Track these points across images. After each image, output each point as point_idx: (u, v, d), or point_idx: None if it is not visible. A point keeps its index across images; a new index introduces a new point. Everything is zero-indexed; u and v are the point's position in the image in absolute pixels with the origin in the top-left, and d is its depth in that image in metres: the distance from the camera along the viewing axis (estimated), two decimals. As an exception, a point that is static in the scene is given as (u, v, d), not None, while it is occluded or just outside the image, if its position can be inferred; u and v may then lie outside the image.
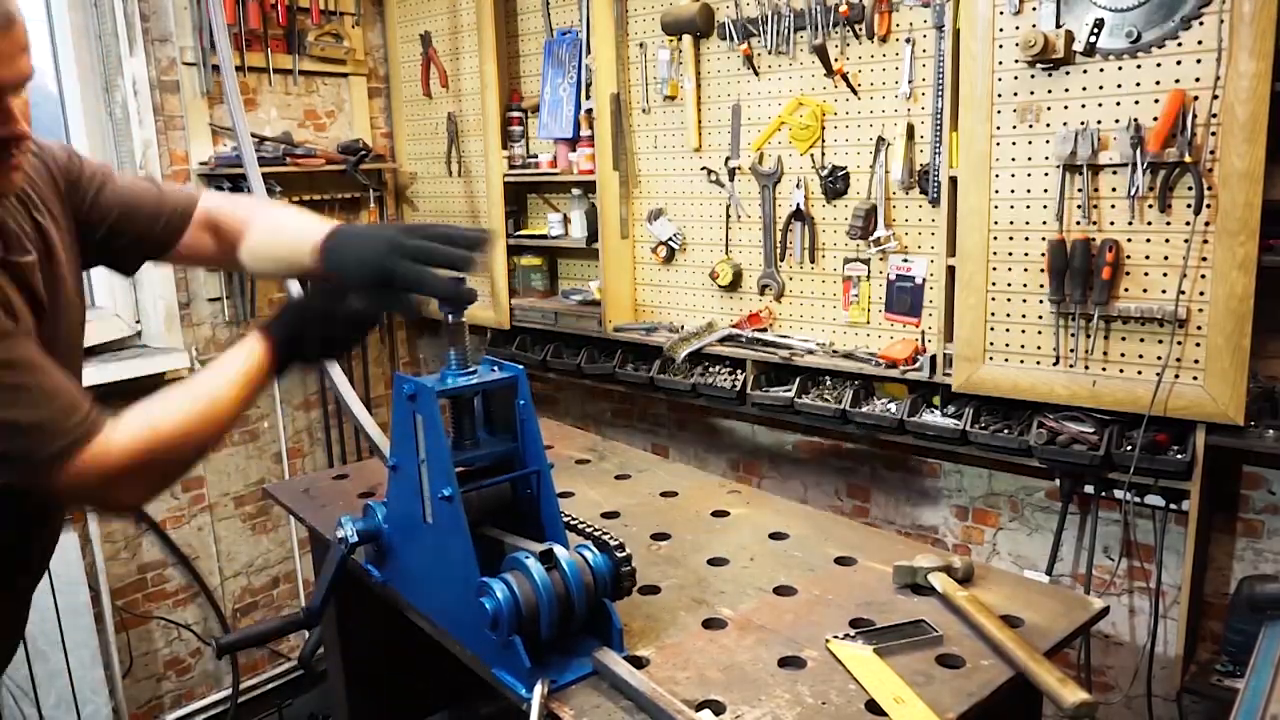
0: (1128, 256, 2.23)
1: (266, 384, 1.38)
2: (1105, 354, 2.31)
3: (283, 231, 1.56)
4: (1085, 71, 2.23)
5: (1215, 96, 2.04)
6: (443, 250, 1.36)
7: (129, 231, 1.52)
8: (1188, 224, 2.13)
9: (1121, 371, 2.29)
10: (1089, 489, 2.55)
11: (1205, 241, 2.12)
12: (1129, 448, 2.26)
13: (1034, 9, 2.26)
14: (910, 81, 2.58)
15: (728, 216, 3.08)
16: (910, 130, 2.61)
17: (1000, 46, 2.32)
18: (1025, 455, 2.46)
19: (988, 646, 1.39)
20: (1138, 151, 2.15)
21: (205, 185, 3.47)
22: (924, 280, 2.66)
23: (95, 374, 3.03)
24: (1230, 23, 1.98)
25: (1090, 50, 2.20)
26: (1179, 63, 2.09)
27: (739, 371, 3.04)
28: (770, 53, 2.85)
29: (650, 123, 3.24)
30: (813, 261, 2.90)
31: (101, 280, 3.43)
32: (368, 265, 1.35)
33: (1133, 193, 2.18)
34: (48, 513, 1.55)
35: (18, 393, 1.14)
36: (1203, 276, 2.13)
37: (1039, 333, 2.39)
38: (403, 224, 1.51)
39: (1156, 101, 2.13)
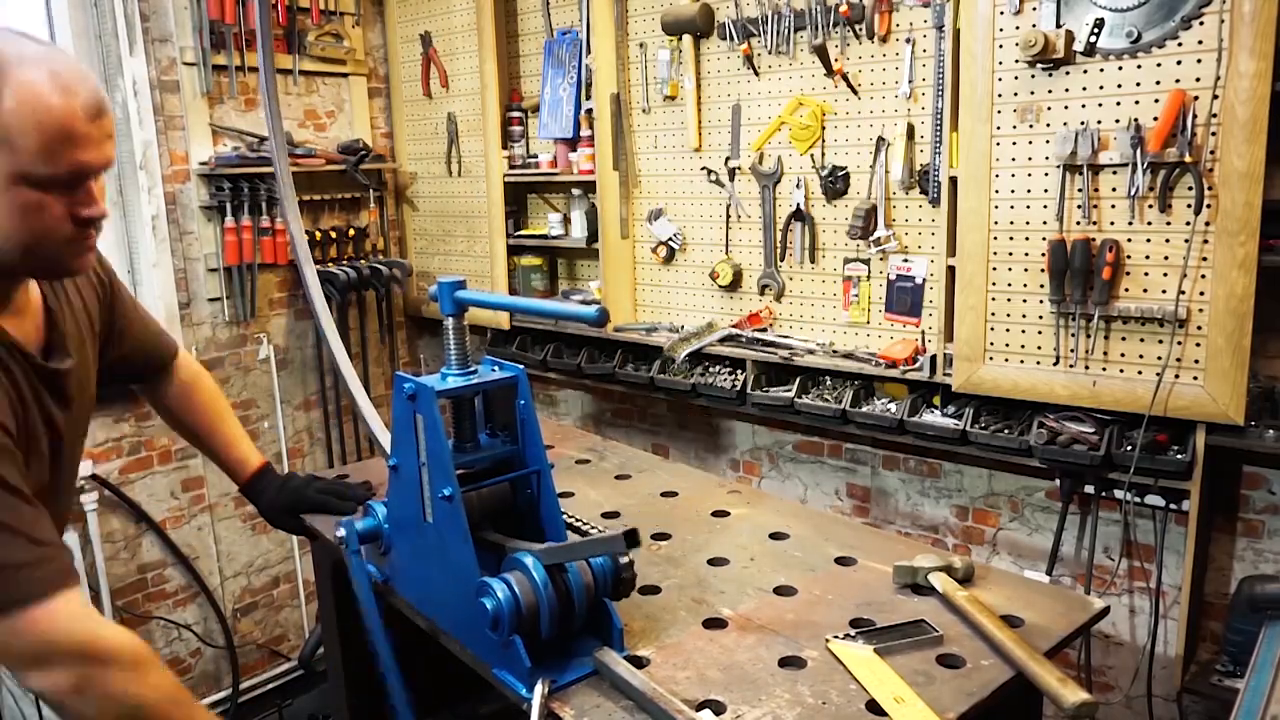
0: (1128, 256, 2.23)
1: None
2: (1105, 354, 2.31)
3: (224, 445, 1.91)
4: (1085, 71, 2.23)
5: (1215, 96, 2.04)
6: (335, 503, 1.89)
7: (128, 360, 1.69)
8: (1188, 224, 2.13)
9: (1122, 371, 2.29)
10: (1089, 489, 2.55)
11: (1205, 241, 2.12)
12: (1129, 448, 2.26)
13: (1034, 9, 2.26)
14: (910, 81, 2.58)
15: (728, 216, 3.08)
16: (910, 130, 2.61)
17: (1000, 46, 2.32)
18: (1025, 455, 2.46)
19: (988, 646, 1.39)
20: (1138, 151, 2.15)
21: (205, 186, 3.48)
22: (924, 280, 2.66)
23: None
24: (1230, 23, 1.99)
25: (1090, 50, 2.20)
26: (1179, 63, 2.09)
27: (739, 371, 3.04)
28: (770, 53, 2.85)
29: (650, 123, 3.24)
30: (813, 261, 2.90)
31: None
32: (279, 505, 1.90)
33: (1133, 193, 2.18)
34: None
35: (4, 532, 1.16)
36: (1203, 276, 2.13)
37: (1039, 333, 2.39)
38: (307, 476, 2.00)
39: (1157, 101, 2.13)
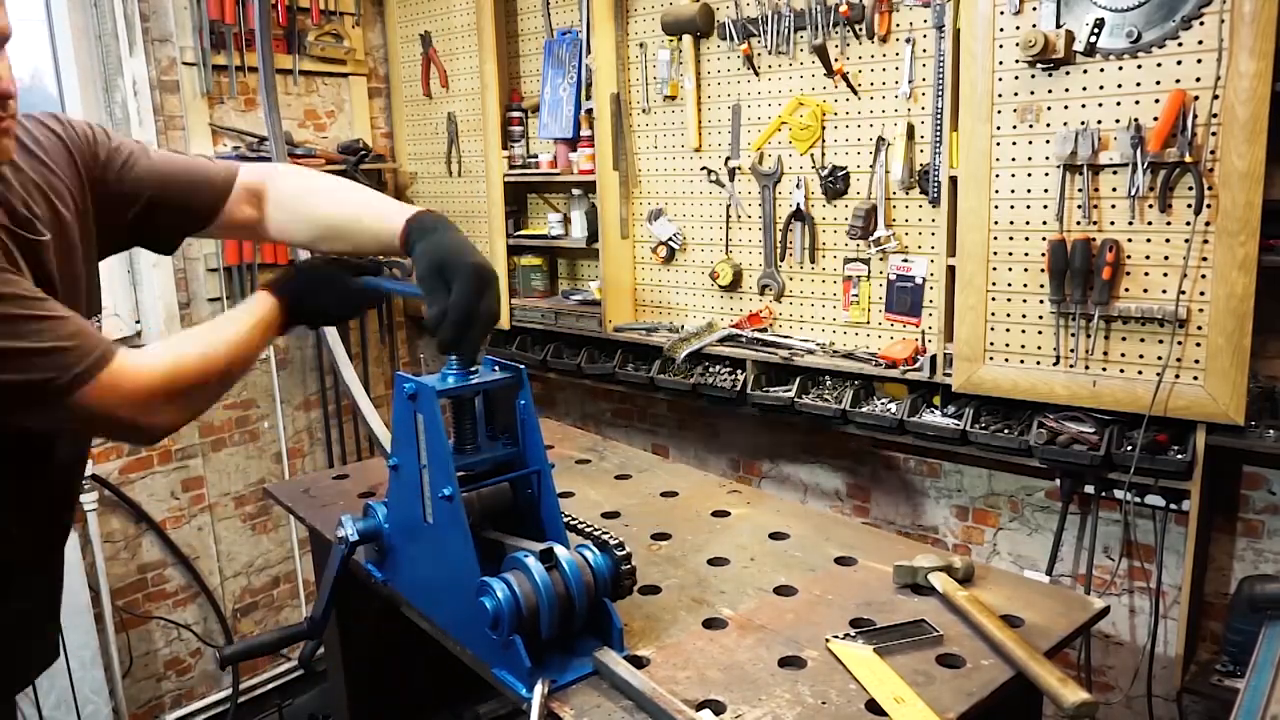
0: (1128, 256, 2.23)
1: (274, 336, 1.49)
2: (1105, 354, 2.31)
3: (359, 207, 1.56)
4: (1085, 71, 2.23)
5: (1215, 96, 2.04)
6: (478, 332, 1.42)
7: (168, 204, 1.49)
8: (1188, 224, 2.13)
9: (1122, 371, 2.29)
10: (1089, 489, 2.55)
11: (1205, 241, 2.12)
12: (1129, 448, 2.26)
13: (1034, 9, 2.26)
14: (910, 81, 2.58)
15: (728, 216, 3.08)
16: (910, 130, 2.61)
17: (1000, 46, 2.32)
18: (1025, 455, 2.46)
19: (988, 646, 1.39)
20: (1138, 151, 2.15)
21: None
22: (924, 280, 2.66)
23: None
24: (1230, 23, 1.99)
25: (1090, 50, 2.20)
26: (1179, 63, 2.09)
27: (739, 371, 3.04)
28: (770, 53, 2.85)
29: (650, 123, 3.24)
30: (813, 261, 2.90)
31: (101, 280, 3.42)
32: (451, 256, 1.40)
33: (1133, 193, 2.18)
34: (74, 456, 1.51)
35: (29, 322, 1.14)
36: (1203, 276, 2.13)
37: (1039, 333, 2.39)
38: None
39: (1157, 101, 2.13)
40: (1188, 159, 2.09)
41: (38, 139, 1.34)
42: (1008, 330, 2.44)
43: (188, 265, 3.52)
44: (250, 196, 1.58)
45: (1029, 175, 2.34)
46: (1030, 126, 2.32)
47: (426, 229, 1.46)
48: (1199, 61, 2.06)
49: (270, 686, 3.88)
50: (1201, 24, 2.05)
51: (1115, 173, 2.22)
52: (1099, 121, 2.22)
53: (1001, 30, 2.31)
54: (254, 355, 1.44)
